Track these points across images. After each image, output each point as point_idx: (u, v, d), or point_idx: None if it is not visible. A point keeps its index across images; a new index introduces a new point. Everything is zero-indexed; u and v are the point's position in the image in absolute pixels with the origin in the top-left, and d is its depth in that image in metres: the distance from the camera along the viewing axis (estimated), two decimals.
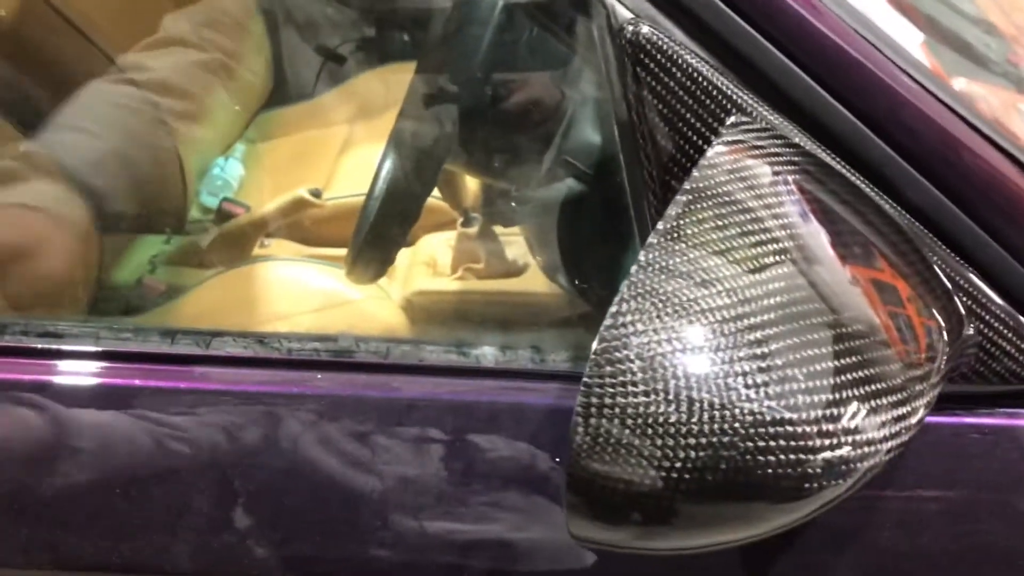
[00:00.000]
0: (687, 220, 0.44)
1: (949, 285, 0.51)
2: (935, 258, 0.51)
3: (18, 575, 0.58)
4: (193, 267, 1.22)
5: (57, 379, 0.58)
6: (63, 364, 0.57)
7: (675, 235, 0.44)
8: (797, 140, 0.49)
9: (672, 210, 0.44)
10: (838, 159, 0.50)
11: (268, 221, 1.19)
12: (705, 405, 0.42)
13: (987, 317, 0.53)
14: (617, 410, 0.42)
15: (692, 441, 0.42)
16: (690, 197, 0.45)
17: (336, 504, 0.57)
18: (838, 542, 0.55)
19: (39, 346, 0.58)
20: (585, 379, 0.43)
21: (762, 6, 0.50)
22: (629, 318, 0.42)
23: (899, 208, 0.52)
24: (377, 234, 0.79)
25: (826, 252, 0.46)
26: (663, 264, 0.43)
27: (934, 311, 0.49)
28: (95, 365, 0.57)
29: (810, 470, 0.42)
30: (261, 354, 0.57)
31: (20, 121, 1.08)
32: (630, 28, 0.49)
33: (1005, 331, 0.52)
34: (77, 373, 0.58)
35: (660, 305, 0.43)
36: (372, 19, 1.58)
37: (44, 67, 1.21)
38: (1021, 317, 0.53)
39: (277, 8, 1.54)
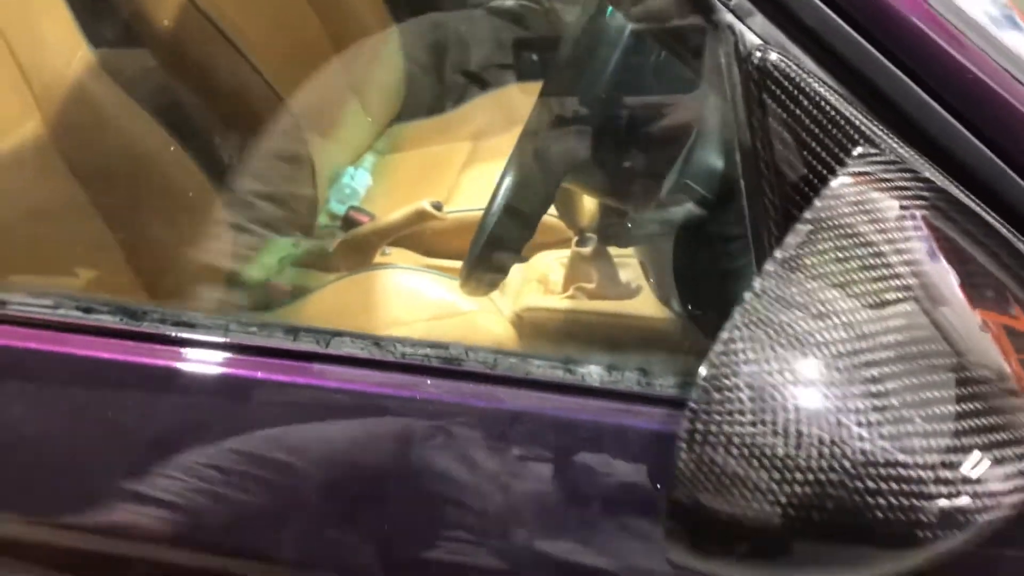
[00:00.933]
0: (806, 250, 0.43)
1: None
2: None
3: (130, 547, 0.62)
4: (318, 270, 1.27)
5: (186, 366, 0.61)
6: (193, 352, 0.61)
7: (793, 265, 0.43)
8: (928, 174, 0.47)
9: (792, 239, 0.44)
10: (972, 196, 0.48)
11: (391, 230, 1.22)
12: (815, 440, 0.41)
13: None
14: (723, 438, 0.42)
15: (800, 476, 0.40)
16: (811, 227, 0.44)
17: (436, 509, 0.58)
18: None
19: (173, 334, 0.61)
20: (691, 404, 0.43)
21: (900, 36, 0.49)
22: (740, 345, 0.42)
23: None
24: (492, 248, 0.81)
25: (953, 292, 0.44)
26: (779, 293, 0.42)
27: None
28: (222, 355, 0.61)
29: (923, 517, 0.40)
30: (376, 356, 0.59)
31: (168, 123, 1.15)
32: (758, 55, 0.48)
33: None
34: (206, 362, 0.61)
35: (773, 335, 0.42)
36: (503, 39, 1.61)
37: (195, 74, 1.28)
38: None
39: (411, 25, 1.59)
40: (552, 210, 0.88)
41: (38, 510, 0.63)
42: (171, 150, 1.16)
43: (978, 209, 0.49)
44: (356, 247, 1.27)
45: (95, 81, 1.11)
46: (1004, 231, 0.49)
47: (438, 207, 1.23)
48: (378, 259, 1.27)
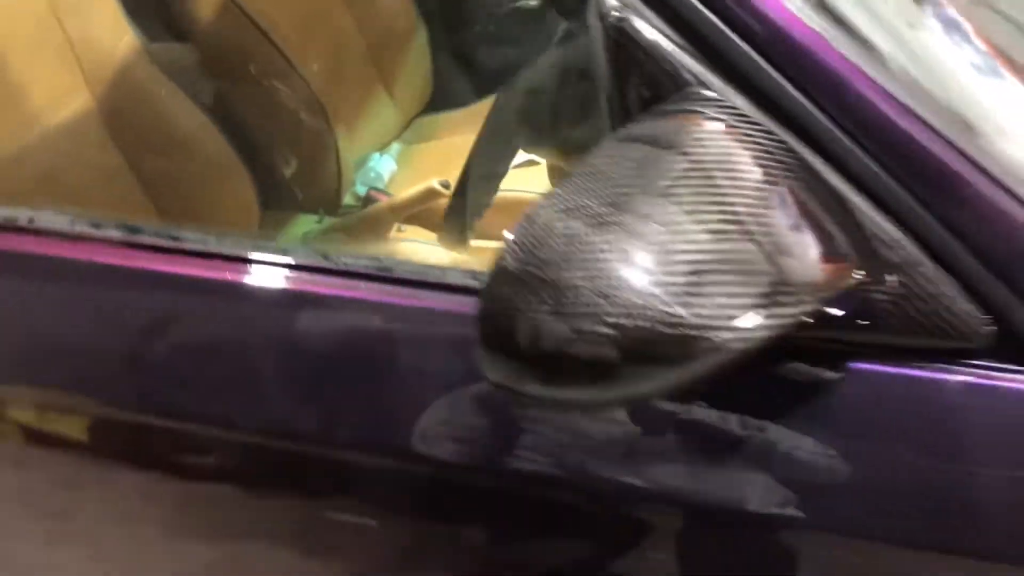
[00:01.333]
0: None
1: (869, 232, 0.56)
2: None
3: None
4: (339, 244, 1.38)
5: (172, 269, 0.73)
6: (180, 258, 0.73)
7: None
8: (755, 116, 0.55)
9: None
10: (788, 130, 0.56)
11: (404, 207, 1.32)
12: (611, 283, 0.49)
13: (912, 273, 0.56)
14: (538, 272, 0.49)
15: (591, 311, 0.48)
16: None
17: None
18: None
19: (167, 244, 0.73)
20: (511, 240, 0.51)
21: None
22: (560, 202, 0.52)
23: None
24: (459, 205, 0.89)
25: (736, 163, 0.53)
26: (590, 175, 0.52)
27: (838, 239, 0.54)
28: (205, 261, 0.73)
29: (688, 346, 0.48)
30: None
31: (204, 106, 1.27)
32: (614, 15, 0.56)
33: (925, 286, 0.55)
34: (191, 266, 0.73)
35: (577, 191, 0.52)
36: (527, 38, 1.70)
37: (231, 63, 1.40)
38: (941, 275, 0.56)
39: (439, 22, 1.69)
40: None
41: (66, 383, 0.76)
42: (206, 130, 1.27)
43: (792, 141, 0.56)
44: (373, 223, 1.37)
45: (139, 65, 1.23)
46: (814, 162, 0.56)
47: (446, 186, 1.32)
48: (393, 234, 1.37)
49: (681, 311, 0.46)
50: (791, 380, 0.59)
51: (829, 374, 0.59)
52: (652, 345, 0.48)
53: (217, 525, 0.82)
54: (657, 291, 0.46)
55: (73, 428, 0.84)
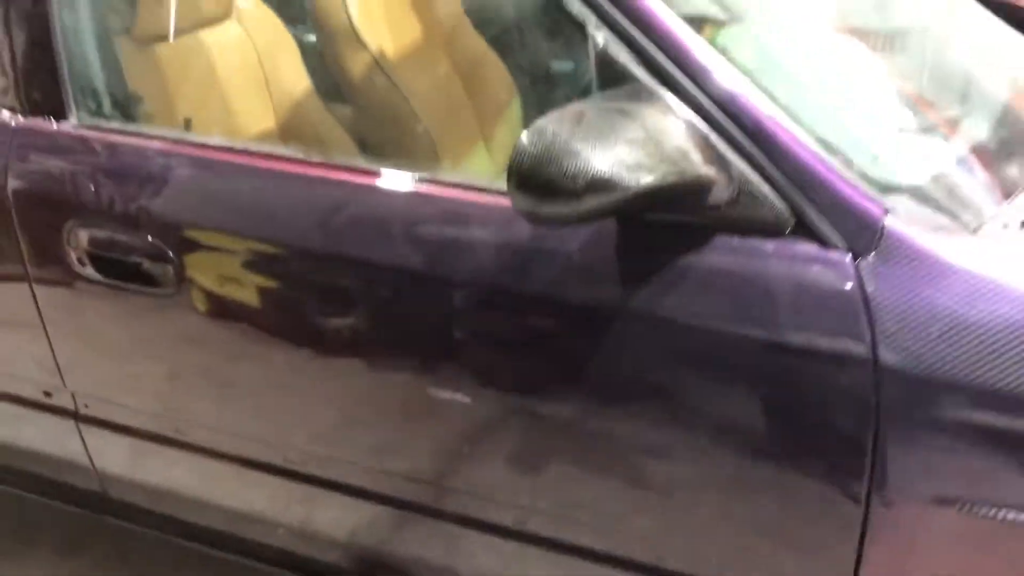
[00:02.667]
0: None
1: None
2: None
3: None
4: None
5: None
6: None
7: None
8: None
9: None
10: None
11: None
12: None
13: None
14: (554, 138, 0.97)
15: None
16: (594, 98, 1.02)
17: None
18: None
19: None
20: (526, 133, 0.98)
21: None
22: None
23: None
24: None
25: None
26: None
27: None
28: None
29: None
30: None
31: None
32: None
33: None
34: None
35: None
36: None
37: (375, 113, 1.91)
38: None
39: (530, 94, 2.18)
40: None
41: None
42: (352, 152, 1.78)
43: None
44: None
45: (311, 102, 1.76)
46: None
47: None
48: None
49: (615, 172, 0.94)
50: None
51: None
52: (598, 184, 0.94)
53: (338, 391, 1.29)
54: (606, 164, 0.94)
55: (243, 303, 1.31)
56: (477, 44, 2.02)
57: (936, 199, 1.14)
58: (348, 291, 1.25)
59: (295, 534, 1.49)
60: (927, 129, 1.35)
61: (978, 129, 1.37)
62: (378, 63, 1.85)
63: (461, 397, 1.22)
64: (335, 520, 1.46)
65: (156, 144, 1.38)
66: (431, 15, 1.97)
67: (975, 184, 1.23)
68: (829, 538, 1.07)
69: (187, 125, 1.54)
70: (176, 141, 1.41)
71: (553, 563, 1.26)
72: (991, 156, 1.32)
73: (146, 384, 1.48)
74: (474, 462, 1.25)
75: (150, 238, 1.33)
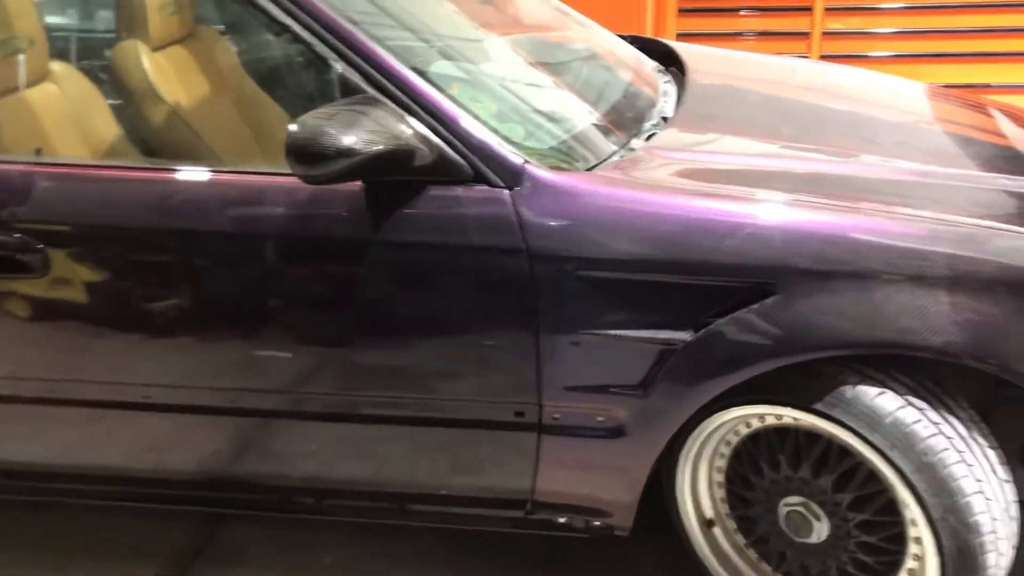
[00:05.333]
0: None
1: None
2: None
3: None
4: None
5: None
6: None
7: None
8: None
9: None
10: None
11: None
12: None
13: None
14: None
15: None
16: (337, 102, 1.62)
17: None
18: None
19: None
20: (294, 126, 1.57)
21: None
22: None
23: None
24: None
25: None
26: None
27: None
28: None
29: None
30: None
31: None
32: None
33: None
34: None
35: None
36: None
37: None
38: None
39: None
40: None
41: None
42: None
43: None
44: None
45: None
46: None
47: None
48: None
49: (356, 143, 1.55)
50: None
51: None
52: (345, 151, 1.55)
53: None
54: (350, 139, 1.55)
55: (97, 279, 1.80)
56: (251, 86, 2.54)
57: (571, 150, 1.86)
58: (179, 256, 1.78)
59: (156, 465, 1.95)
60: (578, 111, 2.08)
61: (609, 103, 2.15)
62: (176, 112, 2.32)
63: (273, 319, 1.80)
64: (190, 441, 1.95)
65: (16, 167, 1.85)
66: (214, 68, 2.47)
67: (598, 138, 1.97)
68: (516, 359, 1.72)
69: (38, 153, 1.98)
70: (31, 163, 1.90)
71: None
72: (617, 119, 2.09)
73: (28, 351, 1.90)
74: (292, 365, 1.81)
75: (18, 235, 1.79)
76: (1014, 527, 1.74)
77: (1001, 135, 2.34)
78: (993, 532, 1.67)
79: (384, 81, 1.70)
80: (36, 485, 2.09)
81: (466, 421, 1.82)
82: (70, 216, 1.81)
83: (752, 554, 1.98)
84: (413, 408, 1.83)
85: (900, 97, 2.61)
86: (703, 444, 1.87)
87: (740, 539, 1.98)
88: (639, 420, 1.74)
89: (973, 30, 4.52)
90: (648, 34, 4.46)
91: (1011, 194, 1.87)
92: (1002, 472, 1.71)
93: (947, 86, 3.27)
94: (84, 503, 2.11)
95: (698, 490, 1.94)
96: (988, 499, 1.66)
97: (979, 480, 1.66)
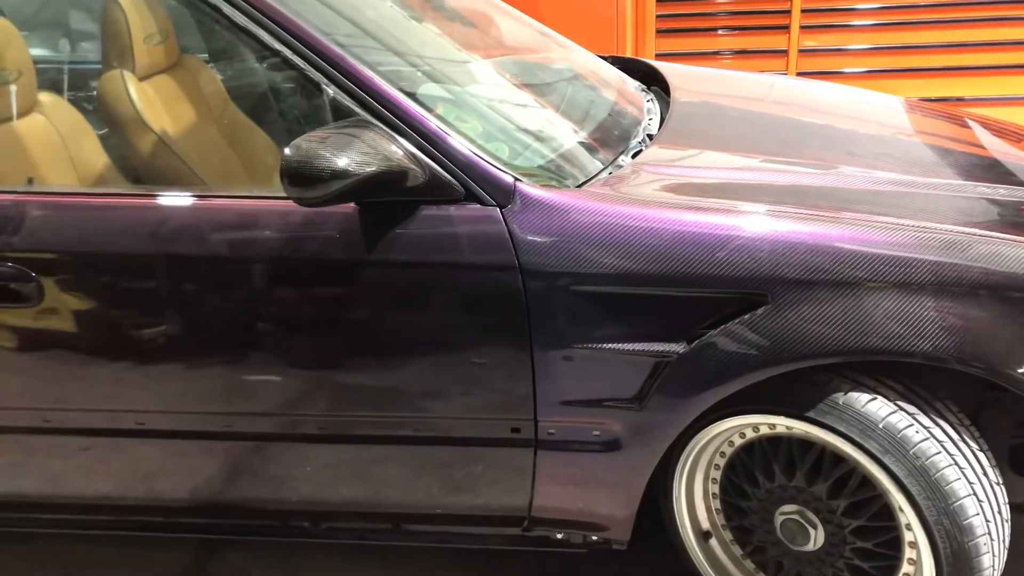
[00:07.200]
0: None
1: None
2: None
3: None
4: None
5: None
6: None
7: None
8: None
9: None
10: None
11: None
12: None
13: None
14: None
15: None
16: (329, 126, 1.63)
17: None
18: None
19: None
20: (289, 150, 1.58)
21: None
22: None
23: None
24: None
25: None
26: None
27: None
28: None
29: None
30: None
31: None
32: None
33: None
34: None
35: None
36: None
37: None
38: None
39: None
40: None
41: None
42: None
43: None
44: None
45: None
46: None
47: None
48: None
49: (349, 165, 1.56)
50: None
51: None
52: (339, 173, 1.57)
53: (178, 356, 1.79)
54: (344, 161, 1.56)
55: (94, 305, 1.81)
56: (237, 113, 2.56)
57: (559, 168, 1.89)
58: (174, 281, 1.78)
59: (147, 494, 1.94)
60: (564, 130, 2.11)
61: (595, 122, 2.18)
62: (162, 140, 2.33)
63: (268, 342, 1.80)
64: (183, 468, 1.94)
65: (8, 196, 1.85)
66: (200, 96, 2.49)
67: (585, 156, 2.00)
68: (511, 375, 1.74)
69: (30, 182, 1.97)
70: (23, 193, 1.89)
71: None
72: (603, 137, 2.12)
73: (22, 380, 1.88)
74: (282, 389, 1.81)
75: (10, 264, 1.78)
76: (1007, 528, 1.76)
77: (979, 145, 2.40)
78: (987, 534, 1.69)
79: (375, 104, 1.72)
80: (28, 516, 2.08)
81: (462, 439, 1.83)
82: (63, 244, 1.81)
83: (749, 564, 2.00)
84: (409, 428, 1.83)
85: (878, 110, 2.67)
86: (698, 456, 1.89)
87: (737, 550, 2.00)
88: (635, 433, 1.75)
89: (944, 45, 4.64)
90: (628, 54, 4.53)
91: (991, 201, 1.91)
92: (993, 474, 1.73)
93: (921, 99, 3.34)
94: (76, 533, 2.10)
95: (694, 502, 1.96)
96: (981, 501, 1.68)
97: (971, 483, 1.68)
